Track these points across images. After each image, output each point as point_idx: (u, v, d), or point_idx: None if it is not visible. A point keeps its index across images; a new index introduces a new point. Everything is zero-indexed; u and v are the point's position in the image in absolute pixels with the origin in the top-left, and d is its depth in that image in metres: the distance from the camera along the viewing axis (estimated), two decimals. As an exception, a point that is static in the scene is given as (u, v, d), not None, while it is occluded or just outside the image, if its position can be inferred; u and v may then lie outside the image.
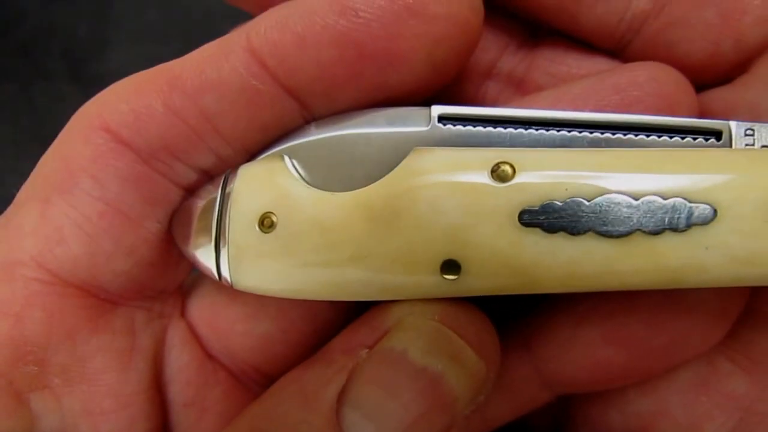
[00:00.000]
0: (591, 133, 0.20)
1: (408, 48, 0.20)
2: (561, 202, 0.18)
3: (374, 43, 0.20)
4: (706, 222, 0.17)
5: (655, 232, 0.17)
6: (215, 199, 0.21)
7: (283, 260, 0.20)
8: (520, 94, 0.24)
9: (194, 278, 0.25)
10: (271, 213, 0.20)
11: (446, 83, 0.22)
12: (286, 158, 0.21)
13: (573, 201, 0.18)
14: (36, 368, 0.20)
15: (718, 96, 0.22)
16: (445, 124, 0.21)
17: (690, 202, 0.17)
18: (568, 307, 0.22)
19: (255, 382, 0.24)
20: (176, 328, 0.23)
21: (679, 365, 0.23)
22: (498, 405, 0.23)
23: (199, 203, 0.21)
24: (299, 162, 0.21)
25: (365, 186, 0.20)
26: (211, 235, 0.21)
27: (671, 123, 0.19)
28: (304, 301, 0.22)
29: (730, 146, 0.19)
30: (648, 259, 0.17)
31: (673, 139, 0.19)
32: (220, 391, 0.23)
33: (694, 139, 0.19)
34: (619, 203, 0.17)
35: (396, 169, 0.19)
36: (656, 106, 0.20)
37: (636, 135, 0.19)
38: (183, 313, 0.24)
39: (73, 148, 0.21)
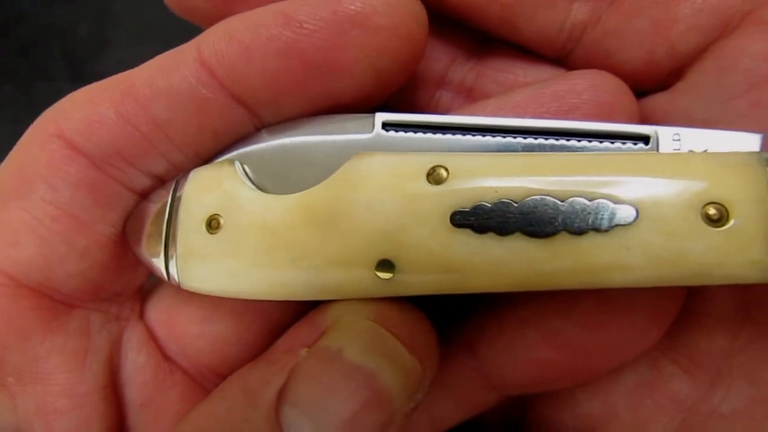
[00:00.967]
0: (525, 138, 0.20)
1: (351, 58, 0.20)
2: (490, 203, 0.18)
3: (318, 53, 0.20)
4: (628, 223, 0.18)
5: (580, 233, 0.18)
6: (167, 202, 0.22)
7: (228, 261, 0.20)
8: (470, 102, 0.25)
9: (154, 282, 0.25)
10: (218, 215, 0.21)
11: (393, 92, 0.23)
12: (237, 163, 0.22)
13: (502, 202, 0.18)
14: None
15: (657, 102, 0.23)
16: (388, 131, 0.21)
17: (614, 203, 0.18)
18: (511, 310, 0.22)
19: (211, 382, 0.24)
20: (134, 330, 0.24)
21: (622, 367, 0.23)
22: (445, 406, 0.23)
23: (152, 207, 0.22)
24: (250, 167, 0.22)
25: (310, 190, 0.20)
26: (161, 237, 0.21)
27: (602, 129, 0.20)
28: (257, 302, 0.22)
29: (657, 151, 0.20)
30: (573, 258, 0.18)
31: (603, 144, 0.20)
32: (176, 392, 0.24)
33: (624, 143, 0.20)
34: (545, 204, 0.18)
35: (337, 172, 0.20)
36: (594, 113, 0.21)
37: (568, 140, 0.20)
38: (142, 316, 0.24)
39: (29, 155, 0.21)
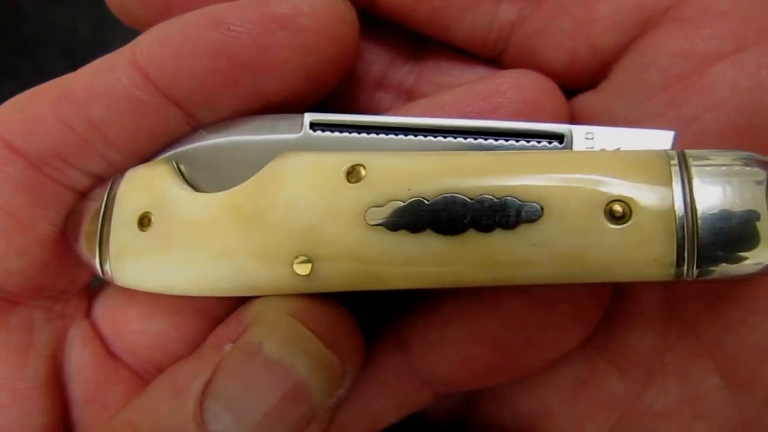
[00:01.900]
0: (445, 137, 0.20)
1: (279, 58, 0.21)
2: (403, 201, 0.19)
3: (246, 53, 0.21)
4: (533, 220, 0.18)
5: (488, 230, 0.18)
6: (102, 201, 0.22)
7: (157, 257, 0.21)
8: (409, 104, 0.25)
9: (103, 281, 0.26)
10: (149, 212, 0.21)
11: (327, 91, 0.23)
12: (173, 162, 0.22)
13: (414, 200, 0.18)
14: None
15: (585, 101, 0.23)
16: (315, 131, 0.22)
17: (520, 201, 0.18)
18: (439, 307, 0.23)
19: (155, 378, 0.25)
20: (78, 328, 0.24)
21: (557, 366, 0.24)
22: (379, 403, 0.24)
23: (91, 205, 0.23)
24: (186, 166, 0.23)
25: (240, 189, 0.21)
26: (97, 235, 0.22)
27: (519, 127, 0.20)
28: (193, 298, 0.23)
29: (571, 149, 0.20)
30: (481, 255, 0.18)
31: (519, 143, 0.20)
32: (121, 388, 0.24)
33: (539, 142, 0.20)
34: (455, 202, 0.18)
35: (261, 171, 0.20)
36: (519, 112, 0.21)
37: (486, 139, 0.20)
38: (88, 314, 0.25)
39: None
